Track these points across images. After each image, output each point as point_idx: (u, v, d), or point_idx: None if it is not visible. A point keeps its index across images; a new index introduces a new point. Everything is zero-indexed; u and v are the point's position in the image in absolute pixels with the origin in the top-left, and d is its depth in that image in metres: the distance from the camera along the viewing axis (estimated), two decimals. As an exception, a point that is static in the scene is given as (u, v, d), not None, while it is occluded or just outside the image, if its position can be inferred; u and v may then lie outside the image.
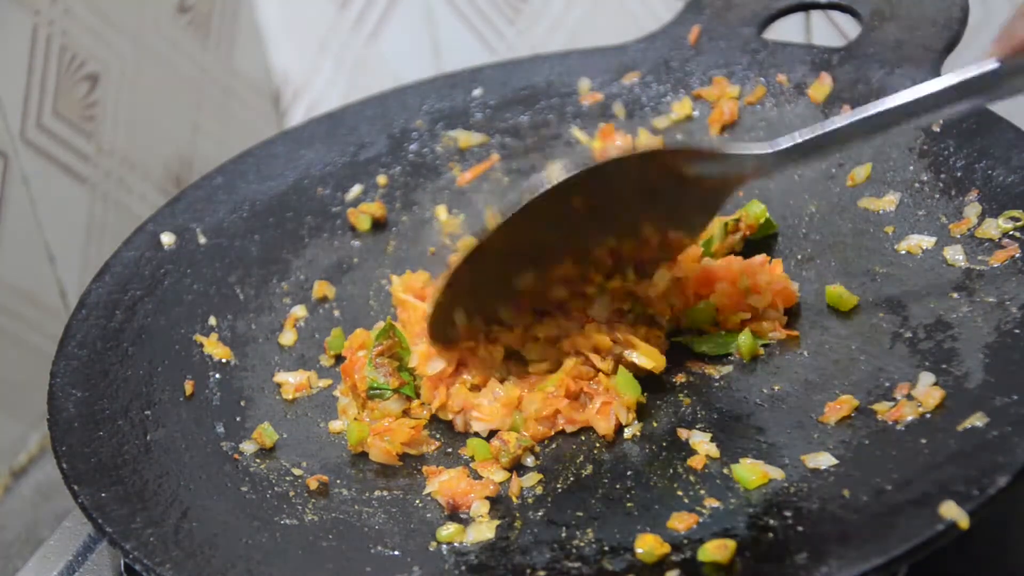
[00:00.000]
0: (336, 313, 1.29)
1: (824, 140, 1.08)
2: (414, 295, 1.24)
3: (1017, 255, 1.09)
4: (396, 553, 1.03)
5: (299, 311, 1.28)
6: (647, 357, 1.12)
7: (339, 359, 1.23)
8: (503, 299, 1.14)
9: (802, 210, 1.25)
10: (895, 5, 1.29)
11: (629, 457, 1.08)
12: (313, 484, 1.11)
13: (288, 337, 1.26)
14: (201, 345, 1.23)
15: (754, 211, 1.22)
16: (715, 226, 1.21)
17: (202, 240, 1.32)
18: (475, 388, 1.15)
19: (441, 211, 1.37)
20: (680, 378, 1.14)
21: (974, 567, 1.02)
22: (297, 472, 1.13)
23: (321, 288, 1.30)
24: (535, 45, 1.69)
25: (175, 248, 1.30)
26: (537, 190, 1.06)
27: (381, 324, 1.22)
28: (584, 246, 1.13)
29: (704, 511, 1.00)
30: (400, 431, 1.12)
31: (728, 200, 1.14)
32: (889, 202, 1.20)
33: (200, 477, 1.11)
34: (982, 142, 1.17)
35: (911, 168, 1.21)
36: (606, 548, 0.99)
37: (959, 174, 1.17)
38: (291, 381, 1.21)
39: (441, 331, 1.13)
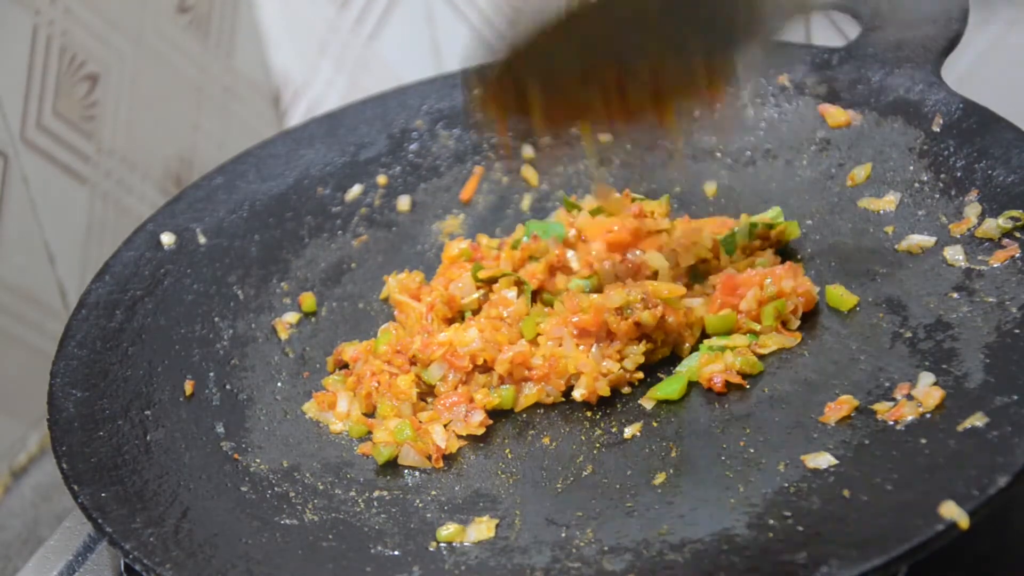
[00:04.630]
0: (332, 315, 1.30)
1: None
2: (409, 295, 1.24)
3: (1017, 255, 1.09)
4: (396, 553, 1.03)
5: (290, 317, 1.29)
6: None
7: (342, 365, 1.23)
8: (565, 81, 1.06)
9: (802, 210, 1.25)
10: (895, 5, 1.29)
11: (629, 457, 1.08)
12: (313, 484, 1.11)
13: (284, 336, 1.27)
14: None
15: (791, 230, 1.22)
16: (742, 225, 1.21)
17: (202, 240, 1.32)
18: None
19: (441, 211, 1.37)
20: (680, 378, 1.14)
21: (974, 567, 1.02)
22: (297, 472, 1.13)
23: (306, 300, 1.30)
24: (535, 45, 1.69)
25: (175, 248, 1.30)
26: None
27: (385, 326, 1.23)
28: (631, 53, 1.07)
29: (705, 511, 1.00)
30: (452, 443, 1.13)
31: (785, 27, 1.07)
32: (889, 202, 1.20)
33: (200, 477, 1.11)
34: (982, 142, 1.17)
35: (911, 168, 1.21)
36: (606, 548, 0.99)
37: (959, 174, 1.17)
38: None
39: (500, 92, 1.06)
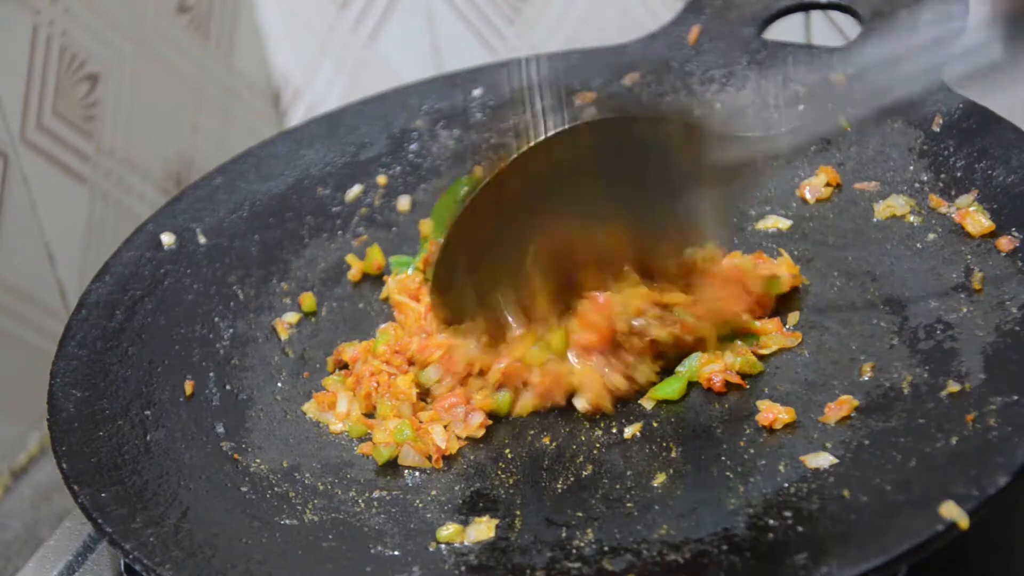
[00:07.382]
0: (332, 315, 1.30)
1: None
2: (409, 295, 1.24)
3: (1018, 253, 1.09)
4: (396, 553, 1.03)
5: (290, 317, 1.29)
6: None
7: (341, 365, 1.23)
8: (515, 273, 1.06)
9: (802, 210, 1.25)
10: (895, 5, 1.29)
11: (629, 457, 1.08)
12: (313, 484, 1.11)
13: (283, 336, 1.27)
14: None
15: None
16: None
17: (202, 240, 1.32)
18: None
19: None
20: (680, 377, 1.14)
21: (974, 567, 1.02)
22: (297, 472, 1.13)
23: (306, 300, 1.30)
24: (535, 45, 1.69)
25: (175, 248, 1.30)
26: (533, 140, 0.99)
27: (384, 326, 1.23)
28: (591, 222, 1.04)
29: (705, 511, 1.00)
30: (452, 444, 1.12)
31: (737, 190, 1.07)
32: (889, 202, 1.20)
33: (200, 477, 1.11)
34: (982, 142, 1.17)
35: (911, 168, 1.21)
36: (606, 548, 0.99)
37: (959, 174, 1.17)
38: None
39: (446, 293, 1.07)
